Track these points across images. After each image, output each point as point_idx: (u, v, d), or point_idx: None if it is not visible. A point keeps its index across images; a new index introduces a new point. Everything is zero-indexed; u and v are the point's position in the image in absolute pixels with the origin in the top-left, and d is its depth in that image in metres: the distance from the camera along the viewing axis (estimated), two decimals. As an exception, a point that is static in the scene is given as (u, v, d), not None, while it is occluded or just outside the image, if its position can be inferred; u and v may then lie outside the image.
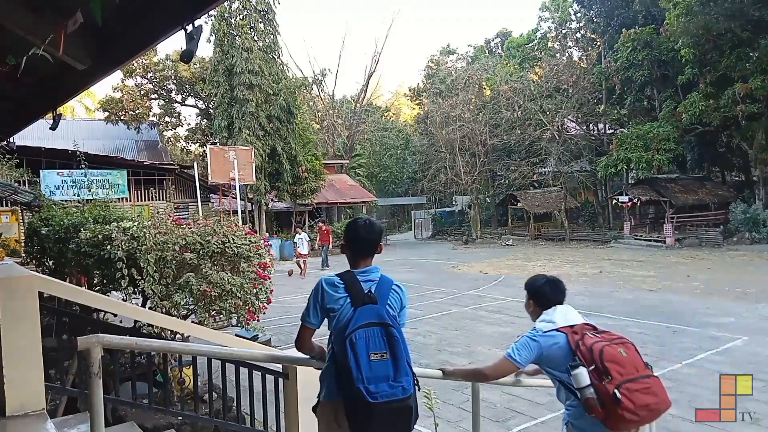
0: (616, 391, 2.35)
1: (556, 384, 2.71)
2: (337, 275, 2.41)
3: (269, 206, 25.51)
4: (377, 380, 2.13)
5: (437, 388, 3.85)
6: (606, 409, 2.37)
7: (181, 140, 37.16)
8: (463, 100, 30.46)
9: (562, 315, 2.69)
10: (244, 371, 3.61)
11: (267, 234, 22.99)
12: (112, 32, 2.84)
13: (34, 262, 7.34)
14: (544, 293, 2.79)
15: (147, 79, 30.77)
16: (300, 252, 18.24)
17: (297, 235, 18.86)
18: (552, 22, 34.46)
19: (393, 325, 2.23)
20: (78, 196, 12.27)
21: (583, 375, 2.44)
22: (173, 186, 22.13)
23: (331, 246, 20.36)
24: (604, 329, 2.66)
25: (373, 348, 2.18)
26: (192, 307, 4.96)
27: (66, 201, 10.96)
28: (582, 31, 32.21)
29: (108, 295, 4.88)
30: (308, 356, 2.62)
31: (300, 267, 18.16)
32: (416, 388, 2.29)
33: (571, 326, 2.63)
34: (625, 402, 2.34)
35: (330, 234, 20.42)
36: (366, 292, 2.31)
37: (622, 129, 29.19)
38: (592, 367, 2.43)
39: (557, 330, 2.63)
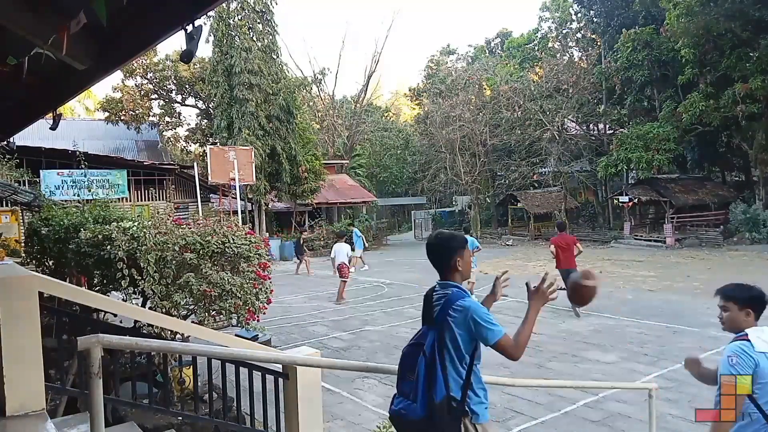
0: None
1: (749, 413, 2.51)
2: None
3: (269, 206, 25.52)
4: None
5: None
6: None
7: (181, 140, 37.15)
8: (463, 100, 30.44)
9: None
10: (244, 371, 3.60)
11: (267, 234, 22.98)
12: (113, 32, 2.84)
13: (34, 262, 7.33)
14: (764, 303, 2.65)
15: (147, 79, 30.77)
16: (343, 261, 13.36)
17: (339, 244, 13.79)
18: (552, 23, 34.49)
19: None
20: (78, 196, 12.25)
21: None
22: (173, 186, 22.13)
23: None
24: None
25: None
26: (192, 307, 4.96)
27: (66, 201, 10.94)
28: (582, 32, 32.21)
29: (108, 295, 4.88)
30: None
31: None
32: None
33: None
34: None
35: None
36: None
37: (622, 129, 29.18)
38: None
39: None
